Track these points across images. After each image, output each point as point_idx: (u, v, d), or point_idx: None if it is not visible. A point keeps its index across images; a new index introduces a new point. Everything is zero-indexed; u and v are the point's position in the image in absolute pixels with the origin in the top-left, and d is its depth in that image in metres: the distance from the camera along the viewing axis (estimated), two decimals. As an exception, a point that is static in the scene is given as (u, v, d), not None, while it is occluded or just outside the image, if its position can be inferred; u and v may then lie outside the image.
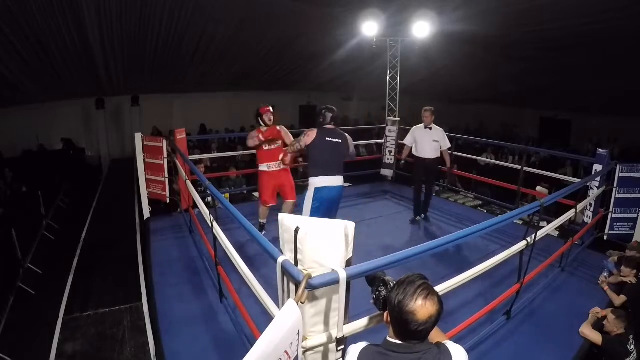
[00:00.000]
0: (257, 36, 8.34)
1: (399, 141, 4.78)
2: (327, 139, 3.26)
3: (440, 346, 1.18)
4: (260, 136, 3.93)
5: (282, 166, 4.02)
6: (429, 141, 4.53)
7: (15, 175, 7.55)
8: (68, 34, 6.63)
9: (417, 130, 4.63)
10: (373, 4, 6.03)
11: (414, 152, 4.68)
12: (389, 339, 1.17)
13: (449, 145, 4.70)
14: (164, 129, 10.50)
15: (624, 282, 3.16)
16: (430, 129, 4.55)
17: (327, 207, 3.30)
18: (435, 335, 1.30)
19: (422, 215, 4.79)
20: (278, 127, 4.05)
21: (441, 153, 4.64)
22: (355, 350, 1.22)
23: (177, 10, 6.84)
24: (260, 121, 4.05)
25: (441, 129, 4.63)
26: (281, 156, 3.97)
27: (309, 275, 1.33)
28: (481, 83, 10.39)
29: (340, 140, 3.31)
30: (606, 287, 3.21)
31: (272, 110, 4.08)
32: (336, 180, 3.30)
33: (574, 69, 8.28)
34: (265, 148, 3.99)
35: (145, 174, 4.74)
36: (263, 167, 4.01)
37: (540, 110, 11.68)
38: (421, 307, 1.09)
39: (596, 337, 2.59)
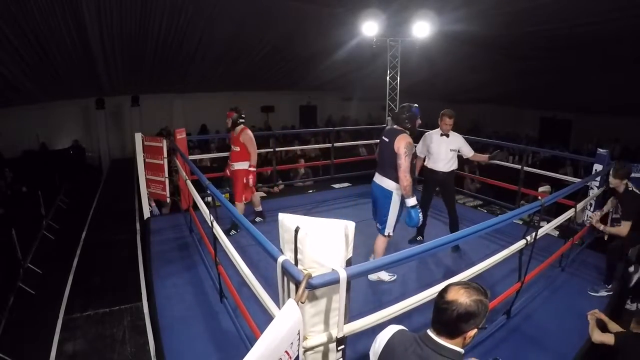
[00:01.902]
0: (257, 36, 8.34)
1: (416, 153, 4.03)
2: (383, 137, 3.24)
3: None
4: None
5: (234, 168, 4.28)
6: (445, 150, 3.87)
7: (15, 175, 7.55)
8: (68, 34, 6.63)
9: (431, 137, 3.97)
10: (373, 4, 6.02)
11: (425, 163, 4.05)
12: (428, 330, 1.20)
13: (470, 153, 4.01)
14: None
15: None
16: (448, 136, 3.90)
17: (372, 201, 3.45)
18: None
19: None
20: (241, 137, 4.18)
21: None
22: (393, 328, 1.28)
23: (177, 10, 6.84)
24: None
25: (460, 136, 3.99)
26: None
27: (309, 275, 1.33)
28: (481, 83, 10.39)
29: (387, 140, 3.14)
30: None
31: (229, 114, 4.25)
32: (377, 178, 3.32)
33: (574, 69, 8.29)
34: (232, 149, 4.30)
35: (145, 174, 4.75)
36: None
37: (540, 110, 11.68)
38: (454, 290, 1.15)
39: (608, 339, 2.48)
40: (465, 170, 6.23)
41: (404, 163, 2.97)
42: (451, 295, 1.14)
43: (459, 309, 1.12)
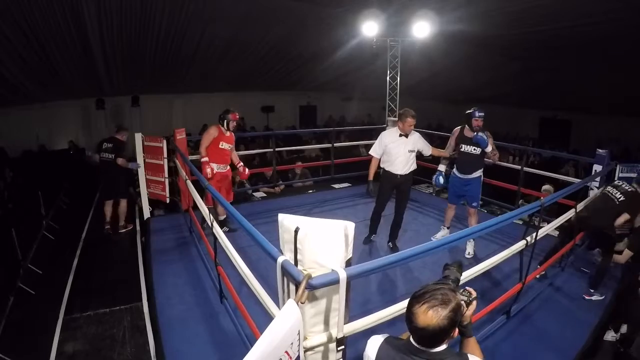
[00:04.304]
0: (257, 36, 8.34)
1: (369, 153, 3.99)
2: None
3: (461, 355, 1.18)
4: (217, 136, 4.12)
5: (227, 168, 4.27)
6: (404, 152, 3.72)
7: (16, 176, 7.53)
8: (68, 34, 6.62)
9: (388, 137, 3.77)
10: (373, 4, 6.02)
11: (381, 164, 3.86)
12: (411, 339, 1.18)
13: (429, 150, 3.92)
14: (164, 129, 10.49)
15: None
16: (407, 136, 3.73)
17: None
18: (471, 350, 1.30)
19: (391, 244, 4.04)
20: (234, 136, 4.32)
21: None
22: (376, 341, 1.24)
23: (177, 10, 6.84)
24: (226, 124, 4.14)
25: (417, 134, 3.85)
26: (247, 173, 4.40)
27: (309, 275, 1.33)
28: (481, 83, 10.39)
29: None
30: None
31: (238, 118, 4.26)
32: None
33: (574, 68, 8.29)
34: (220, 146, 4.12)
35: (145, 174, 4.76)
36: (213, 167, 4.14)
37: (540, 110, 11.67)
38: (422, 313, 1.10)
39: None
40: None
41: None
42: (422, 321, 1.10)
43: (434, 330, 1.10)
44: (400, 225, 4.03)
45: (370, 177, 3.86)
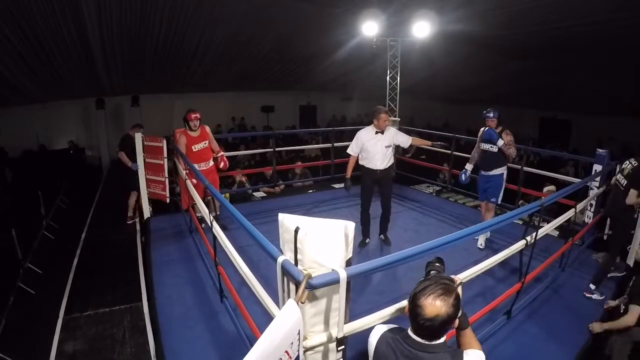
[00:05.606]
0: (257, 36, 8.34)
1: (347, 151, 4.07)
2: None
3: (456, 353, 1.19)
4: (187, 141, 4.14)
5: (209, 165, 4.29)
6: (381, 148, 3.84)
7: (16, 176, 7.54)
8: (68, 34, 6.62)
9: (365, 136, 3.87)
10: (373, 4, 6.02)
11: (360, 161, 3.97)
12: (409, 331, 1.20)
13: (409, 141, 4.02)
14: (163, 128, 10.49)
15: None
16: (382, 132, 3.84)
17: None
18: (468, 340, 1.32)
19: (382, 236, 4.17)
20: (207, 129, 4.31)
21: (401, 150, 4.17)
22: (379, 330, 1.28)
23: (177, 10, 6.84)
24: (187, 126, 4.18)
25: (392, 128, 3.99)
26: (222, 165, 4.35)
27: (309, 275, 1.33)
28: (481, 83, 10.39)
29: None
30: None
31: (199, 116, 4.19)
32: None
33: (574, 69, 8.29)
34: (194, 150, 4.15)
35: (145, 174, 4.75)
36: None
37: (540, 110, 11.68)
38: (430, 304, 1.12)
39: (627, 319, 2.55)
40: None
41: None
42: (429, 311, 1.11)
43: (443, 319, 1.12)
44: (389, 218, 4.14)
45: (348, 175, 4.06)
